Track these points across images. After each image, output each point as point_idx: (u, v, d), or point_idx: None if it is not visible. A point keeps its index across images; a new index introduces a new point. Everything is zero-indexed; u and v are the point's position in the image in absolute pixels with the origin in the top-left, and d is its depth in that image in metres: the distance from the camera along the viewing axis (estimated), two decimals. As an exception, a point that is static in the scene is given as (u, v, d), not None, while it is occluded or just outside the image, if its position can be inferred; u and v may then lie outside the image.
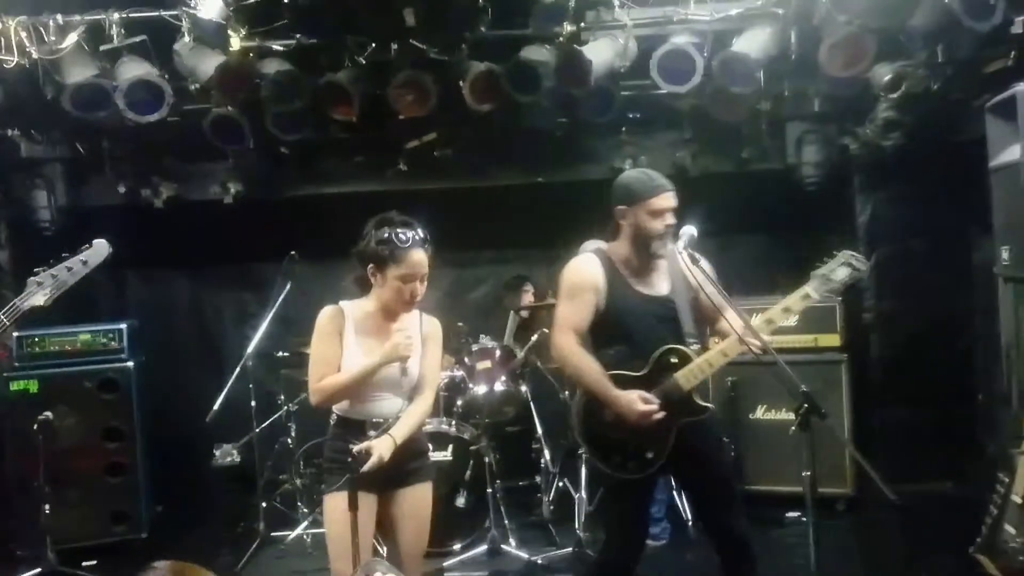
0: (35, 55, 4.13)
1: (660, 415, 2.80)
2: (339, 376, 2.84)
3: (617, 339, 2.95)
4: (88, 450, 4.84)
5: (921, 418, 5.22)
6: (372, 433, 2.81)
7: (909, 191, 5.21)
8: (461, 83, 4.49)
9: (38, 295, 2.65)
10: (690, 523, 4.64)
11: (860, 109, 4.81)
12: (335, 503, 2.77)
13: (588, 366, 2.91)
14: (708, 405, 2.90)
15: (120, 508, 4.91)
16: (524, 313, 5.40)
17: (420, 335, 2.96)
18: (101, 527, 4.85)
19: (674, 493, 4.73)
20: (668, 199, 2.92)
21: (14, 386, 4.76)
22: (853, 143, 4.94)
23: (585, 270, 2.98)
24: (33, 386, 4.77)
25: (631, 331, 2.92)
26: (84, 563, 4.67)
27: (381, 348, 2.83)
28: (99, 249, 2.80)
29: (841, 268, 2.80)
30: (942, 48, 4.17)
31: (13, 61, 4.04)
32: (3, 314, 2.59)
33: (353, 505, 2.62)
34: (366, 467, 2.67)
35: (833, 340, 4.82)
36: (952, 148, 4.58)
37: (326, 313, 2.90)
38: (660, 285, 2.98)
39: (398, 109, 4.56)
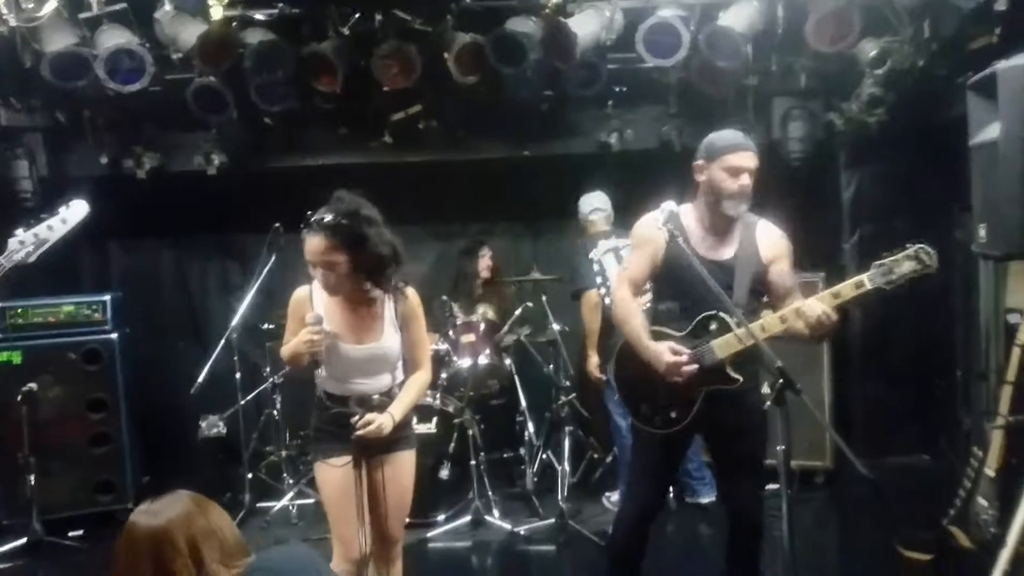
0: (13, 22, 4.06)
1: (688, 369, 2.80)
2: (286, 348, 2.93)
3: (669, 296, 2.99)
4: (72, 421, 4.85)
5: (900, 393, 5.30)
6: (357, 409, 2.83)
7: (893, 168, 5.23)
8: (446, 55, 4.46)
9: (21, 252, 2.66)
10: (671, 495, 4.71)
11: (846, 85, 4.81)
12: (327, 471, 2.91)
13: (631, 316, 2.96)
14: (738, 377, 2.85)
15: (106, 478, 4.92)
16: (485, 273, 5.43)
17: (396, 314, 2.97)
18: (87, 497, 4.87)
19: None
20: (745, 158, 2.86)
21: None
22: (839, 119, 4.94)
23: (649, 225, 2.97)
24: (16, 357, 4.75)
25: (682, 291, 2.91)
26: (70, 533, 4.71)
27: (344, 325, 2.91)
28: (78, 208, 2.82)
29: (907, 262, 2.66)
30: (928, 24, 4.16)
31: (-9, 28, 3.98)
32: None
33: (357, 463, 2.79)
34: (361, 432, 2.75)
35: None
36: (935, 126, 4.59)
37: (293, 296, 3.00)
38: (724, 250, 2.93)
39: (382, 80, 4.53)
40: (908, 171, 5.14)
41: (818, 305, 2.68)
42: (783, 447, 2.47)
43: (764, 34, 4.43)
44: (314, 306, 2.93)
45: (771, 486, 4.52)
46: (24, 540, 4.51)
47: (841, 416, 5.05)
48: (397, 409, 2.91)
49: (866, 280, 2.70)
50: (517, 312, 5.00)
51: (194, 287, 6.09)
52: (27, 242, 2.71)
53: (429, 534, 4.47)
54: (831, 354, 4.92)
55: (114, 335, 4.96)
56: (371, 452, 2.90)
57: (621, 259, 4.23)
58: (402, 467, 3.03)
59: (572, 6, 4.42)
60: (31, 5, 4.07)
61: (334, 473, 2.88)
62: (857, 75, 4.59)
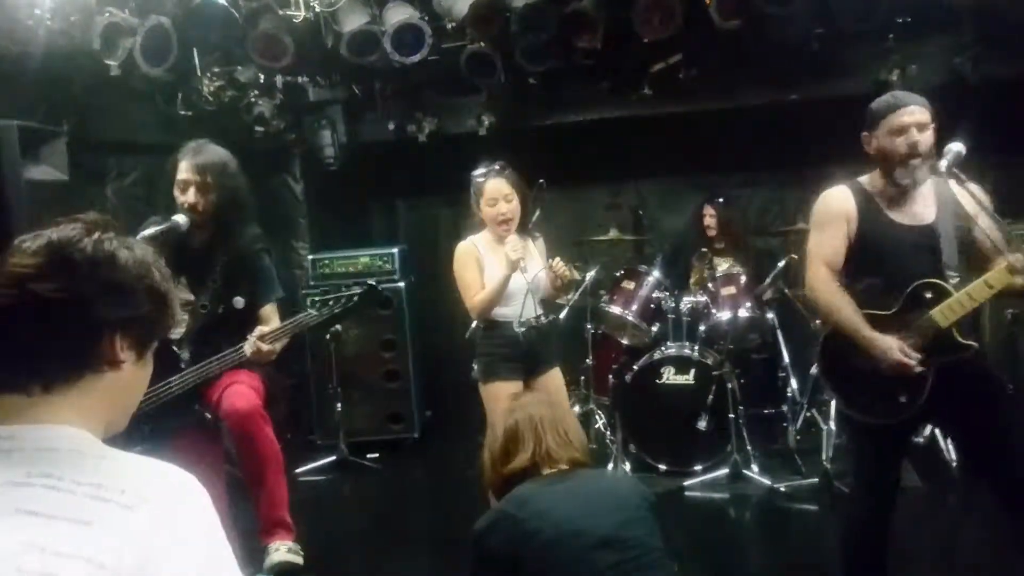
0: (317, 8, 4.62)
1: (919, 369, 2.60)
2: (485, 291, 3.48)
3: (868, 272, 2.77)
4: (369, 358, 5.55)
5: None
6: (520, 331, 3.42)
7: None
8: (707, 0, 4.34)
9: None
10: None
11: None
12: (495, 390, 3.43)
13: (840, 302, 2.75)
14: (970, 343, 2.62)
15: (396, 410, 5.59)
16: (710, 232, 5.37)
17: (541, 251, 3.70)
18: (381, 425, 5.57)
19: None
20: (911, 114, 2.65)
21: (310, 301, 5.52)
22: None
23: (834, 199, 2.83)
24: (324, 302, 5.50)
25: (883, 263, 2.73)
26: (368, 455, 5.40)
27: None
28: None
29: None
30: None
31: (300, 16, 4.56)
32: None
33: (527, 380, 3.52)
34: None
35: None
36: None
37: (460, 248, 3.60)
38: (922, 213, 2.71)
39: (642, 32, 4.52)
40: None
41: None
42: None
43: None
44: (481, 252, 3.53)
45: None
46: (333, 458, 5.27)
47: None
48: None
49: None
50: (780, 264, 4.82)
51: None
52: None
53: (686, 483, 4.53)
54: None
55: (402, 283, 5.57)
56: (538, 368, 3.55)
57: None
58: (559, 376, 3.67)
59: (847, -67, 4.09)
60: (332, -9, 4.60)
61: (508, 390, 3.37)
62: None
